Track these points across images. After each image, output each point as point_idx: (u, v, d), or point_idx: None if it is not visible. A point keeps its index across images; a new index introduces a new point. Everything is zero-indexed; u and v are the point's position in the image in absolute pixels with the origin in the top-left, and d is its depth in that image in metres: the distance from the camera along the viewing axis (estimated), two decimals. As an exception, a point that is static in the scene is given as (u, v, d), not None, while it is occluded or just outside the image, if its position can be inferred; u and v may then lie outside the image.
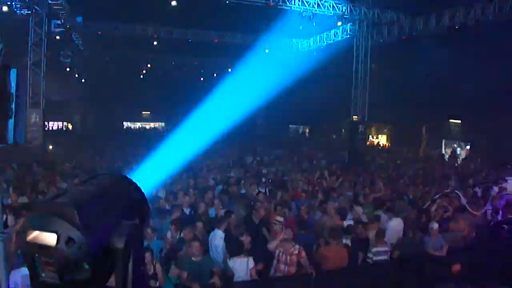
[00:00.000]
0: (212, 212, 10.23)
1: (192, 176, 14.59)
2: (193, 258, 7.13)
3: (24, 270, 3.91)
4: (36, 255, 1.27)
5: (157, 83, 40.81)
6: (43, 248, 1.27)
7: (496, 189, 12.14)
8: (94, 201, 1.41)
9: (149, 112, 48.48)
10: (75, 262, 1.26)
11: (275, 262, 7.57)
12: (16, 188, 11.02)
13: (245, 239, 7.78)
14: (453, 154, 26.73)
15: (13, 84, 3.17)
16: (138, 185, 1.57)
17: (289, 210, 10.16)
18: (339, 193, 12.41)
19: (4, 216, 6.05)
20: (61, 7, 20.70)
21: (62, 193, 1.45)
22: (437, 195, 10.19)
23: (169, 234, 8.53)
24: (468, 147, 27.27)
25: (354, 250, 8.19)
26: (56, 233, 1.26)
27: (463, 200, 10.38)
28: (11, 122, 3.18)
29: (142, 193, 1.56)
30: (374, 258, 7.99)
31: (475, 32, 19.35)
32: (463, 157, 26.11)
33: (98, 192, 1.48)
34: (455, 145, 28.19)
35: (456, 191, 10.57)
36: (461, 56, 21.11)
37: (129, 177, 1.62)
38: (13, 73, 3.23)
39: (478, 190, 12.67)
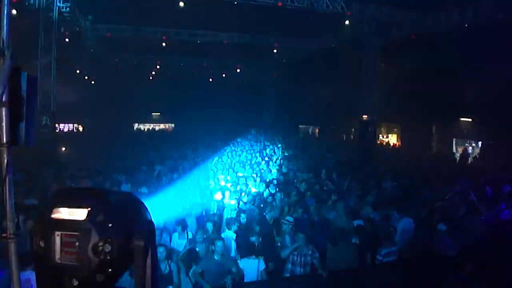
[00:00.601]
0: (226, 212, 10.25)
1: (202, 176, 14.64)
2: (215, 257, 7.17)
3: (24, 275, 3.92)
4: (58, 232, 1.29)
5: (166, 84, 40.96)
6: (69, 223, 1.30)
7: (507, 188, 12.04)
8: (118, 197, 1.46)
9: (158, 114, 48.64)
10: (99, 240, 1.29)
11: (289, 265, 7.57)
12: (26, 190, 11.13)
13: (256, 239, 7.80)
14: (465, 153, 26.54)
15: (24, 87, 3.19)
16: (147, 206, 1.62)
17: (302, 211, 10.14)
18: (348, 193, 12.39)
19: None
20: (71, 10, 20.85)
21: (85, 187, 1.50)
22: (448, 195, 10.14)
23: (176, 235, 8.57)
24: (479, 145, 27.05)
25: (363, 250, 8.17)
26: (87, 208, 1.30)
27: (474, 199, 10.31)
28: (22, 125, 3.20)
29: (150, 214, 1.60)
30: (384, 260, 7.96)
31: (485, 29, 19.21)
32: (474, 155, 25.95)
33: (117, 194, 1.54)
34: (467, 144, 27.98)
35: (466, 190, 10.49)
36: (471, 54, 20.95)
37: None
38: (23, 76, 3.25)
39: (489, 189, 12.57)
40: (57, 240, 1.29)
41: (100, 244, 1.29)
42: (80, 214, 1.30)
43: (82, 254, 1.29)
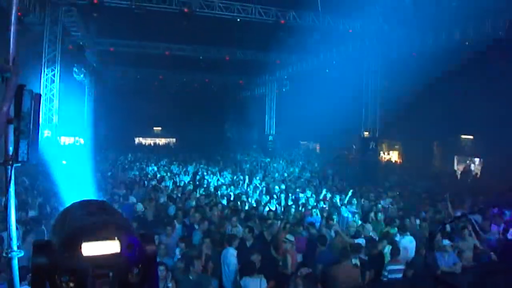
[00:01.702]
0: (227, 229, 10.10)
1: (203, 192, 14.63)
2: (190, 276, 7.09)
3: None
4: (91, 269, 1.29)
5: (168, 98, 41.09)
6: (103, 258, 1.30)
7: (507, 213, 11.94)
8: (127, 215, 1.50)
9: (160, 128, 48.70)
10: (132, 266, 1.34)
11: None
12: (26, 203, 11.11)
13: (256, 258, 7.69)
14: (466, 170, 26.51)
15: (28, 105, 3.22)
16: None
17: (303, 229, 10.07)
18: (350, 210, 12.35)
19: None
20: (75, 24, 21.01)
21: (93, 213, 1.49)
22: (449, 220, 10.04)
23: (178, 251, 8.48)
24: (478, 162, 27.02)
25: (363, 269, 8.11)
26: (119, 240, 1.32)
27: (475, 224, 10.22)
28: (25, 142, 3.22)
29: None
30: (389, 276, 7.91)
31: (486, 47, 19.29)
32: (475, 173, 25.91)
33: (117, 213, 1.56)
34: (468, 161, 27.94)
35: (468, 215, 10.39)
36: (472, 71, 21.02)
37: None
38: (28, 94, 3.27)
39: (495, 211, 12.45)
40: (90, 277, 1.29)
41: (132, 270, 1.32)
42: (113, 247, 1.31)
43: (118, 284, 1.30)
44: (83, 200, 1.60)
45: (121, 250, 1.31)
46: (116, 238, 1.33)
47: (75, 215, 1.43)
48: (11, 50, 3.30)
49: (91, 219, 1.41)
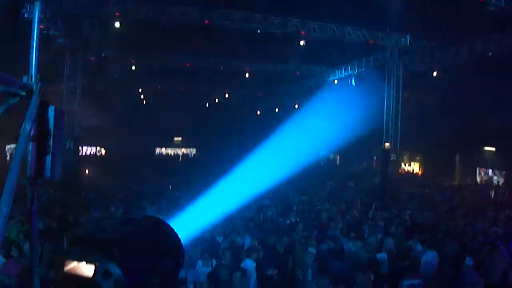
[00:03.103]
0: (247, 241, 9.99)
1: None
2: None
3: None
4: (70, 286, 1.30)
5: (189, 109, 41.33)
6: (79, 279, 1.30)
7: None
8: (133, 241, 1.45)
9: (180, 138, 48.85)
10: None
11: None
12: (47, 215, 11.16)
13: (273, 271, 7.59)
14: (488, 182, 26.10)
15: (51, 121, 3.22)
16: (174, 229, 1.60)
17: (322, 241, 9.92)
18: (371, 223, 12.16)
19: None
20: (97, 36, 21.31)
21: (102, 229, 1.49)
22: (476, 245, 9.74)
23: (199, 263, 8.40)
24: (503, 175, 26.57)
25: (380, 284, 7.96)
26: (94, 264, 1.30)
27: (505, 252, 9.92)
28: (48, 158, 3.23)
29: (177, 236, 1.59)
30: (405, 292, 7.72)
31: (508, 59, 19.04)
32: (496, 184, 25.52)
33: (136, 233, 1.52)
34: (491, 174, 27.49)
35: (499, 241, 10.05)
36: (494, 83, 20.75)
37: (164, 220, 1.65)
38: (51, 110, 3.28)
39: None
40: None
41: None
42: (87, 270, 1.31)
43: None
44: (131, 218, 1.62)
45: (93, 276, 1.31)
46: (92, 263, 1.32)
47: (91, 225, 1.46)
48: (33, 66, 3.31)
49: (83, 240, 1.42)
